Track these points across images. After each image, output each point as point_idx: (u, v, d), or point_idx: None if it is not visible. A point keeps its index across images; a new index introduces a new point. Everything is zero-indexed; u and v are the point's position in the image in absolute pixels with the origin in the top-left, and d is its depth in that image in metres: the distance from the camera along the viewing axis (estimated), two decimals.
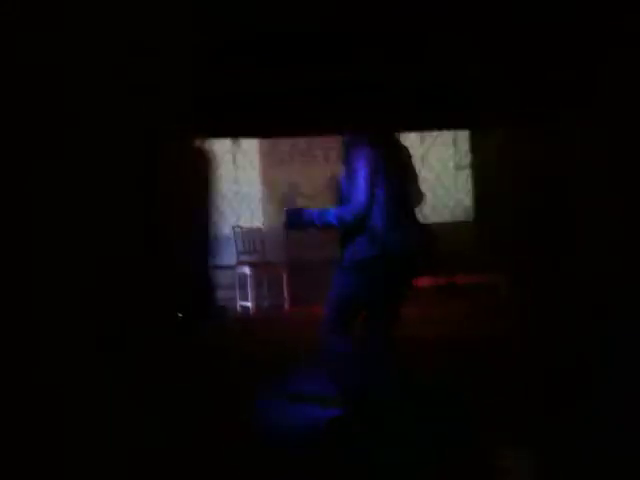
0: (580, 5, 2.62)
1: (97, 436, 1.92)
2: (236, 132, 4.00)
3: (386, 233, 3.03)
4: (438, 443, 2.73)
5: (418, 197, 3.30)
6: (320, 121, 2.92)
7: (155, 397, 2.16)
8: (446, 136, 7.12)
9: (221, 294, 7.09)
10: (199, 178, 3.69)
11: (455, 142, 7.35)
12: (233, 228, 7.10)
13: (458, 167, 7.29)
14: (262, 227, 7.31)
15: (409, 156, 3.28)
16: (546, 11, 2.64)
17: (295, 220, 3.16)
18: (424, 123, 3.32)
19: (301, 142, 7.47)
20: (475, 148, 6.98)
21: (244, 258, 7.04)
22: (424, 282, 5.60)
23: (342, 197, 3.10)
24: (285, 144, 7.48)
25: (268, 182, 7.59)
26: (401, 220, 3.11)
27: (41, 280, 2.02)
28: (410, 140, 5.73)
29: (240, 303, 6.90)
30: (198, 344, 3.53)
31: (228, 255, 7.04)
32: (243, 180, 7.57)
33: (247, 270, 6.73)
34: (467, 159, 7.25)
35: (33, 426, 1.77)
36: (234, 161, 7.56)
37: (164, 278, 2.40)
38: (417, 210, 3.27)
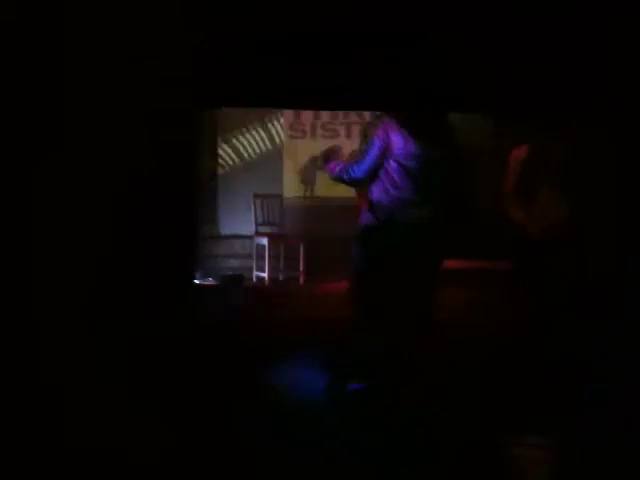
0: (580, 5, 2.61)
1: (96, 435, 2.01)
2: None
3: (386, 207, 3.36)
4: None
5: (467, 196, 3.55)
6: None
7: (155, 396, 2.24)
8: None
9: (239, 263, 7.26)
10: None
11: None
12: (253, 197, 7.16)
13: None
14: (282, 195, 7.43)
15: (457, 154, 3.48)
16: (546, 11, 2.63)
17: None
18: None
19: (324, 116, 7.47)
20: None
21: (262, 229, 7.15)
22: (452, 265, 5.57)
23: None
24: (307, 116, 7.49)
25: (290, 153, 7.63)
26: (409, 199, 3.36)
27: (41, 279, 2.10)
28: None
29: (256, 273, 7.02)
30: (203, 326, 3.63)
31: (247, 225, 7.17)
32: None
33: (265, 241, 6.83)
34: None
35: (33, 425, 1.86)
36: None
37: (165, 275, 2.49)
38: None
